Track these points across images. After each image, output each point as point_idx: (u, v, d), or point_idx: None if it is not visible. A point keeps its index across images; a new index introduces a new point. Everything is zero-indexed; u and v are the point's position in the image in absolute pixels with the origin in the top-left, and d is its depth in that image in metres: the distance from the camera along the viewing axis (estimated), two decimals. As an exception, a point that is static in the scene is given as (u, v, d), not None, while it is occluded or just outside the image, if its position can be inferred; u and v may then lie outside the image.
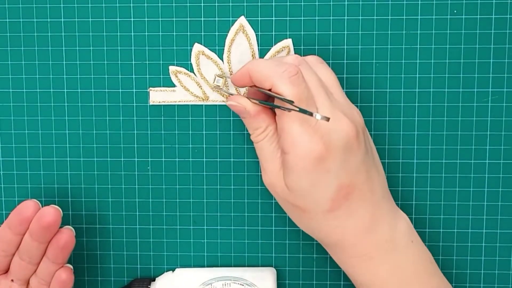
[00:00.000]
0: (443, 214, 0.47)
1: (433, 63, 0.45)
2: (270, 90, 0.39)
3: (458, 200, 0.46)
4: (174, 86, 0.46)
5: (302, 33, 0.45)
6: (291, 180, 0.39)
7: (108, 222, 0.48)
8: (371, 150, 0.42)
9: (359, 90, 0.46)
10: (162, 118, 0.47)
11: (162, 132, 0.47)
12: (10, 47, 0.47)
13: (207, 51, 0.46)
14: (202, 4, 0.45)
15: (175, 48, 0.46)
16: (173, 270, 0.48)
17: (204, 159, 0.47)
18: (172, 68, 0.46)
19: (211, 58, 0.46)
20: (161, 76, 0.46)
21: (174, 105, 0.46)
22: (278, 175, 0.40)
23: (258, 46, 0.46)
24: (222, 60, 0.46)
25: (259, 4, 0.45)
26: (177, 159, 0.47)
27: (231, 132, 0.47)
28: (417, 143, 0.46)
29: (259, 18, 0.45)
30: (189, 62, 0.46)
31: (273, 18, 0.45)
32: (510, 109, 0.45)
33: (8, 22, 0.46)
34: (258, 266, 0.48)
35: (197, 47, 0.46)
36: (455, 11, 0.45)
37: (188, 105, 0.46)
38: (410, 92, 0.46)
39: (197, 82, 0.46)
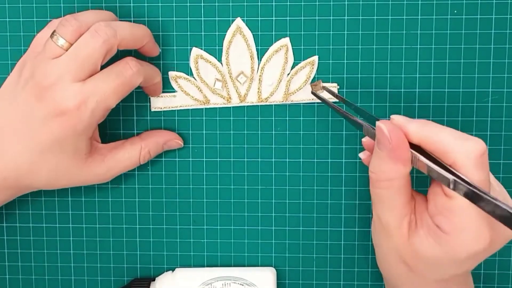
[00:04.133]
0: (443, 214, 0.47)
1: (433, 63, 0.45)
2: (449, 165, 0.34)
3: (458, 200, 0.46)
4: (174, 91, 0.46)
5: (302, 33, 0.45)
6: (431, 252, 0.35)
7: (108, 221, 0.48)
8: None
9: (359, 90, 0.46)
10: (162, 118, 0.47)
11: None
12: (10, 47, 0.47)
13: (205, 54, 0.46)
14: (202, 4, 0.45)
15: (175, 50, 0.46)
16: (173, 270, 0.48)
17: (204, 159, 0.47)
18: (171, 74, 0.46)
19: (210, 62, 0.46)
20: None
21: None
22: (399, 228, 0.36)
23: (257, 46, 0.46)
24: (221, 63, 0.46)
25: (259, 4, 0.45)
26: (177, 159, 0.47)
27: (231, 132, 0.47)
28: (417, 143, 0.46)
29: (259, 18, 0.45)
30: (188, 66, 0.46)
31: (273, 18, 0.45)
32: (510, 109, 0.45)
33: (8, 22, 0.46)
34: (258, 266, 0.48)
35: (195, 51, 0.46)
36: (455, 11, 0.45)
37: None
38: (410, 92, 0.46)
39: (197, 86, 0.46)
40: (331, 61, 0.45)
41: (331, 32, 0.45)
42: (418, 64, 0.45)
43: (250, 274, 0.46)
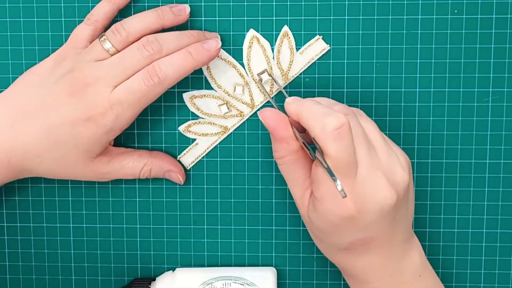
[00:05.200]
0: (443, 214, 0.47)
1: (433, 63, 0.45)
2: (314, 139, 0.37)
3: (458, 200, 0.46)
4: (193, 140, 0.46)
5: (302, 33, 0.45)
6: (316, 219, 0.39)
7: (108, 221, 0.48)
8: (409, 199, 0.40)
9: (359, 90, 0.46)
10: (163, 118, 0.47)
11: (163, 131, 0.47)
12: (10, 47, 0.47)
13: (196, 92, 0.46)
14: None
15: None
16: (173, 269, 0.48)
17: (205, 159, 0.47)
18: (181, 127, 0.46)
19: (205, 95, 0.46)
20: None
21: (174, 105, 0.46)
22: (301, 199, 0.40)
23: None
24: (214, 89, 0.46)
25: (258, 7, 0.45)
26: (177, 159, 0.47)
27: (232, 132, 0.47)
28: (417, 143, 0.46)
29: (258, 19, 0.45)
30: (187, 110, 0.46)
31: (273, 18, 0.45)
32: (511, 109, 0.45)
33: (8, 22, 0.46)
34: (258, 265, 0.48)
35: (187, 95, 0.46)
36: (455, 11, 0.45)
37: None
38: (411, 92, 0.46)
39: (209, 122, 0.46)
40: (331, 61, 0.45)
41: (331, 32, 0.45)
42: (418, 64, 0.45)
43: (250, 274, 0.46)
